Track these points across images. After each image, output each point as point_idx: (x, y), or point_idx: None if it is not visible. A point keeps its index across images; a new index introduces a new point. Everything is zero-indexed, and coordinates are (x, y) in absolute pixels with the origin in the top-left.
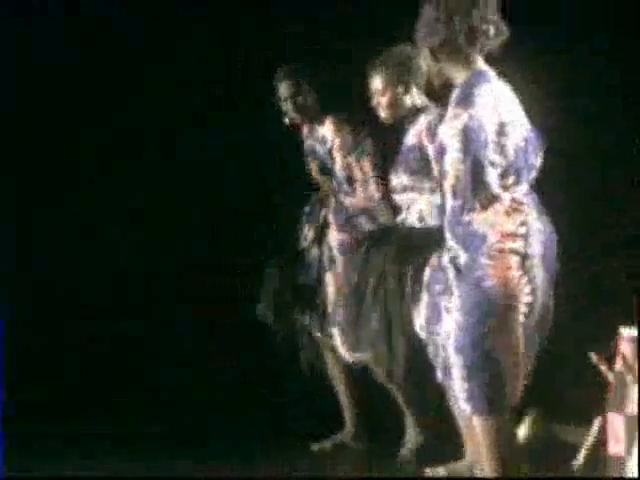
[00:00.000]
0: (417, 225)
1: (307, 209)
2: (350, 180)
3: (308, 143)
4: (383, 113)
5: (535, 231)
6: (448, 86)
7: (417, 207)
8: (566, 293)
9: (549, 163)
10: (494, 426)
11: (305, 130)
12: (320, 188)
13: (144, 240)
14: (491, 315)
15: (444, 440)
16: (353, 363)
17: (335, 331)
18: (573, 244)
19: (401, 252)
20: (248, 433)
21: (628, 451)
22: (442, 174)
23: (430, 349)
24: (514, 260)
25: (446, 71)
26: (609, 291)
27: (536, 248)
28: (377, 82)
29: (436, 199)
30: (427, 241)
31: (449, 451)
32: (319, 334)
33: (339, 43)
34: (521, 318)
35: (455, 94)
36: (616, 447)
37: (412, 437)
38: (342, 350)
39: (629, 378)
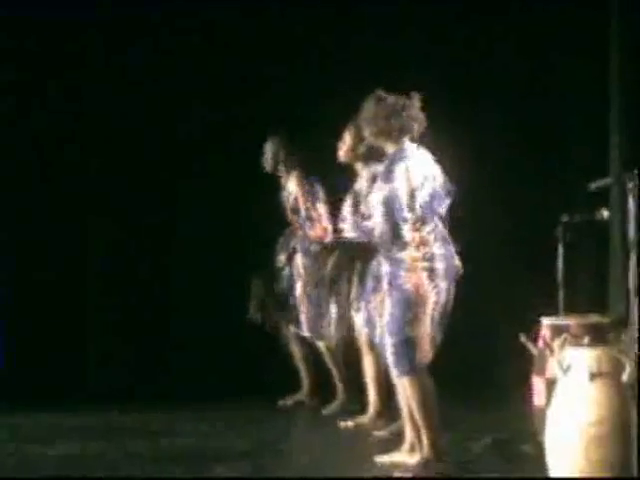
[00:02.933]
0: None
1: (281, 239)
2: (310, 219)
3: (283, 192)
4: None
5: (437, 254)
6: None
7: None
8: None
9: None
10: (417, 381)
11: (282, 182)
12: (291, 224)
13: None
14: (409, 310)
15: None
16: (314, 345)
17: (303, 325)
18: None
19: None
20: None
21: (546, 404)
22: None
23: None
24: (423, 274)
25: (380, 144)
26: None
27: (439, 265)
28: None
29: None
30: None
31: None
32: (290, 327)
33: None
34: (429, 311)
35: (381, 169)
36: (539, 400)
37: (341, 399)
38: (309, 337)
39: (547, 352)
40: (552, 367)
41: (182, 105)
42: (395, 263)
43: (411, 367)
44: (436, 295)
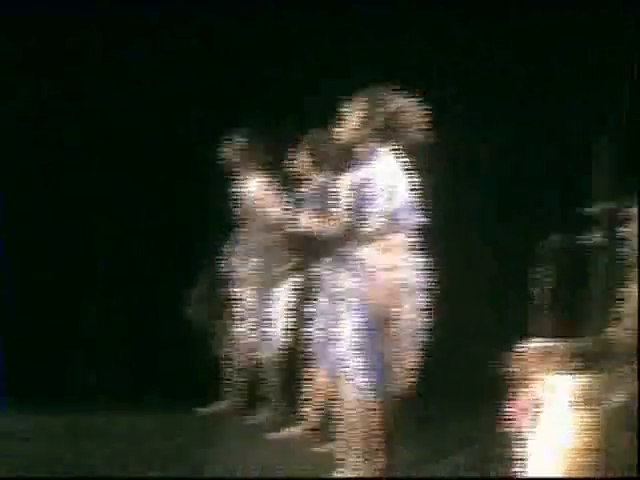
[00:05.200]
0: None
1: (232, 240)
2: (269, 222)
3: (238, 194)
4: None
5: (402, 265)
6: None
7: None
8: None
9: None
10: (381, 408)
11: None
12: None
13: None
14: (376, 326)
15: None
16: (251, 355)
17: (246, 331)
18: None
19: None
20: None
21: (527, 428)
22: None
23: (322, 346)
24: (389, 286)
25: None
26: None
27: (406, 276)
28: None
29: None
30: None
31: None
32: (229, 331)
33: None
34: (400, 329)
35: (355, 165)
36: (519, 424)
37: (269, 409)
38: (248, 344)
39: (531, 376)
40: (536, 391)
41: (182, 105)
42: (356, 271)
43: (381, 390)
44: (408, 312)
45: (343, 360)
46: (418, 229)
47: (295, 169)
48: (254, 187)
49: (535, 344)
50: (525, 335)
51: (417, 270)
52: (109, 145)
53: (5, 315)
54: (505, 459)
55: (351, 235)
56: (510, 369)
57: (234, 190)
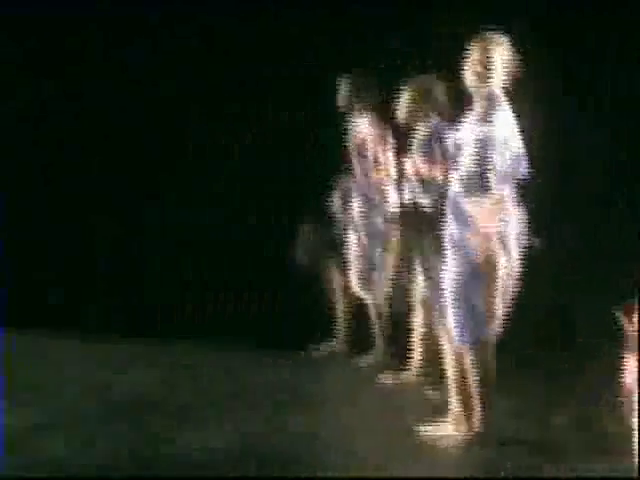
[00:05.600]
0: (418, 206)
1: (336, 184)
2: (377, 162)
3: (352, 131)
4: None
5: (511, 219)
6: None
7: (419, 193)
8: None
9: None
10: (479, 354)
11: (353, 120)
12: (348, 169)
13: None
14: (477, 276)
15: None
16: (358, 298)
17: (353, 274)
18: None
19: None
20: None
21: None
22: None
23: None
24: (495, 238)
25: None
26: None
27: (511, 230)
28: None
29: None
30: (425, 220)
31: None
32: (337, 274)
33: None
34: (498, 279)
35: (476, 110)
36: (630, 380)
37: (377, 352)
38: (355, 288)
39: None
40: None
41: (182, 105)
42: (465, 223)
43: (474, 337)
44: (506, 263)
45: (443, 307)
46: (526, 180)
47: (404, 113)
48: (364, 126)
49: None
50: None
51: (521, 222)
52: (109, 145)
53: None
54: (613, 415)
55: (461, 185)
56: (622, 322)
57: (345, 131)
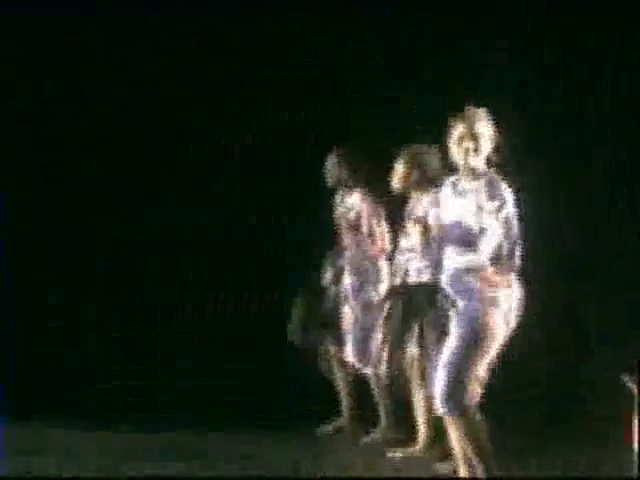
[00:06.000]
0: (415, 280)
1: (329, 257)
2: (372, 235)
3: (341, 208)
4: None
5: (514, 290)
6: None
7: (415, 265)
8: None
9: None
10: (466, 420)
11: (339, 197)
12: (339, 242)
13: None
14: (474, 347)
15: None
16: (358, 372)
17: (349, 349)
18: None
19: (406, 306)
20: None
21: None
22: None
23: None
24: (500, 311)
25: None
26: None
27: (513, 302)
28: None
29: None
30: (425, 296)
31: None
32: (333, 349)
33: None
34: (496, 349)
35: (484, 186)
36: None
37: (382, 427)
38: (352, 362)
39: None
40: None
41: (182, 105)
42: (468, 296)
43: (462, 406)
44: (504, 336)
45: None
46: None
47: (398, 185)
48: (360, 200)
49: None
50: None
51: (520, 298)
52: (109, 145)
53: (5, 315)
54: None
55: (465, 260)
56: (629, 385)
57: (335, 205)
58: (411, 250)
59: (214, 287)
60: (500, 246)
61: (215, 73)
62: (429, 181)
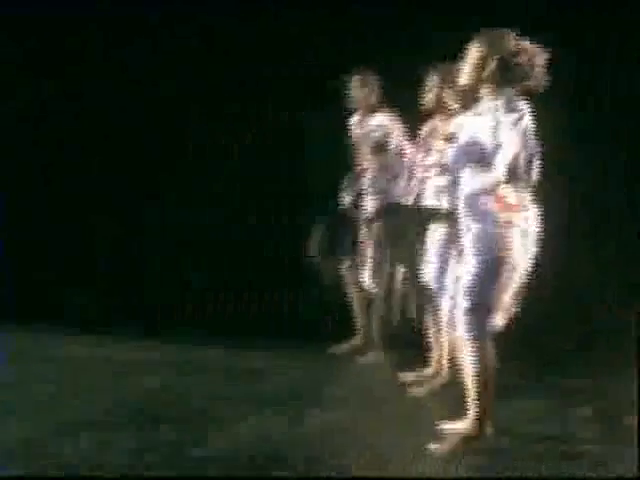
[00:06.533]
0: (431, 200)
1: (347, 181)
2: (401, 155)
3: (361, 129)
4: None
5: (531, 214)
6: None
7: (435, 182)
8: None
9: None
10: (482, 349)
11: (357, 119)
12: (357, 165)
13: None
14: (494, 272)
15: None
16: (371, 293)
17: (365, 271)
18: None
19: (418, 225)
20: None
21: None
22: (494, 156)
23: (437, 293)
24: (517, 236)
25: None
26: None
27: (531, 226)
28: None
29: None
30: (438, 217)
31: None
32: (351, 272)
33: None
34: (516, 277)
35: (503, 102)
36: None
37: (377, 350)
38: (367, 283)
39: None
40: None
41: (182, 105)
42: (484, 219)
43: (483, 333)
44: (525, 262)
45: (457, 301)
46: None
47: (427, 104)
48: (385, 121)
49: None
50: None
51: (540, 218)
52: (109, 145)
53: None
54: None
55: (481, 181)
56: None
57: (351, 128)
58: (436, 165)
59: (214, 287)
60: (517, 159)
61: (215, 73)
62: (462, 99)
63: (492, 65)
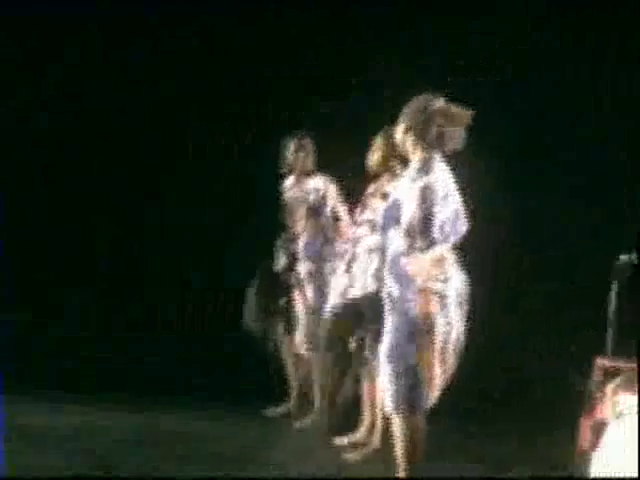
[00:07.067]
0: (363, 261)
1: (280, 244)
2: (337, 219)
3: (294, 192)
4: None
5: (452, 279)
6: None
7: (366, 242)
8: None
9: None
10: (409, 423)
11: (291, 182)
12: (290, 228)
13: None
14: (413, 339)
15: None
16: (304, 358)
17: (299, 336)
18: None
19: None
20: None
21: (592, 447)
22: (398, 221)
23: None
24: (434, 298)
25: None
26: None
27: (451, 291)
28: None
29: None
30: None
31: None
32: (284, 336)
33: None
34: (438, 343)
35: (415, 166)
36: (584, 443)
37: (317, 414)
38: (300, 348)
39: (598, 394)
40: (602, 410)
41: (182, 105)
42: (403, 282)
43: (407, 405)
44: (446, 325)
45: (381, 367)
46: (466, 240)
47: (373, 165)
48: (320, 184)
49: (605, 362)
50: (594, 354)
51: (463, 283)
52: (109, 145)
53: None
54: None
55: (401, 242)
56: (579, 388)
57: (284, 192)
58: (371, 223)
59: (214, 287)
60: (413, 222)
61: (215, 73)
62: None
63: (417, 131)
